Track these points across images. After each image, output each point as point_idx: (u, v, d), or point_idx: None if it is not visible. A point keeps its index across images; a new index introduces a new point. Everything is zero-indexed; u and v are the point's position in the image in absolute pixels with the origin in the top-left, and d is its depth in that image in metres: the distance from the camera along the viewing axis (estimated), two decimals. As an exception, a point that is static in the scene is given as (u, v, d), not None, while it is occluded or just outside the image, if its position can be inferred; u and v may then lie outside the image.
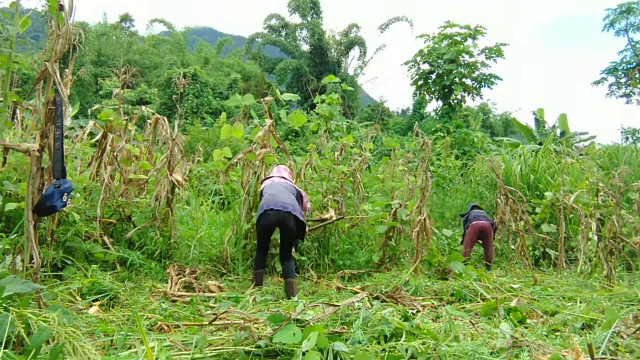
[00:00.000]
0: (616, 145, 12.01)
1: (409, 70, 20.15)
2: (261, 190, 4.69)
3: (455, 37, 18.80)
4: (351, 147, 7.21)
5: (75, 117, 17.23)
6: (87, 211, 4.37)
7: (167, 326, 2.55)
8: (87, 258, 3.96)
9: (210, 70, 29.68)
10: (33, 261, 2.41)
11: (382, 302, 3.32)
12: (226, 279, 4.61)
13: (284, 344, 1.96)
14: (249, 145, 5.32)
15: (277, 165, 5.20)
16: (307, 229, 4.55)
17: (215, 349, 2.06)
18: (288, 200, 4.31)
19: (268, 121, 5.05)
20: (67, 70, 2.75)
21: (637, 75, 21.76)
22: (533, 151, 11.23)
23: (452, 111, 18.73)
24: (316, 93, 24.57)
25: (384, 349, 2.07)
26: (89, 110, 5.62)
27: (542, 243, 7.17)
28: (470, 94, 19.08)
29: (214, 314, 2.85)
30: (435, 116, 20.71)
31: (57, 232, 3.79)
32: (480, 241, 7.32)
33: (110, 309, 3.02)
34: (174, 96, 22.57)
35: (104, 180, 4.53)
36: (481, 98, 19.41)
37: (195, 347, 2.07)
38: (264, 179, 4.92)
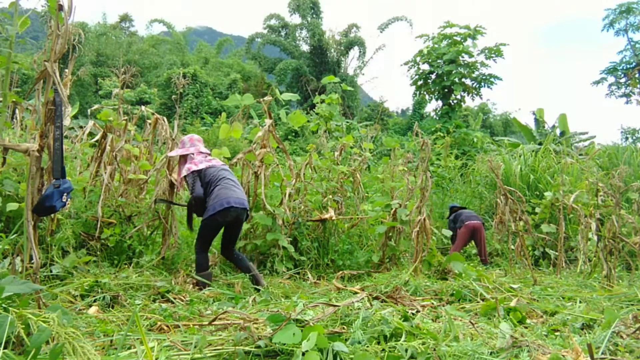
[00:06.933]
0: (616, 145, 12.01)
1: (408, 70, 20.19)
2: (198, 171, 4.18)
3: (454, 37, 18.82)
4: (351, 147, 7.22)
5: (75, 117, 17.23)
6: (85, 212, 4.37)
7: (167, 326, 2.55)
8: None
9: (209, 71, 29.68)
10: (32, 261, 2.40)
11: (381, 302, 3.32)
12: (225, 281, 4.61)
13: (284, 344, 1.96)
14: (249, 145, 5.32)
15: (191, 136, 4.53)
16: None
17: (215, 349, 2.06)
18: (243, 194, 4.20)
19: (268, 121, 5.05)
20: (66, 70, 2.74)
21: (636, 75, 21.78)
22: (533, 151, 11.24)
23: (452, 111, 18.75)
24: (316, 93, 24.58)
25: (383, 349, 2.07)
26: (89, 110, 5.62)
27: (542, 243, 7.17)
28: (470, 94, 19.11)
29: (213, 314, 2.85)
30: (435, 116, 20.74)
31: (56, 237, 3.80)
32: (472, 241, 7.38)
33: (110, 309, 3.02)
34: (173, 96, 22.59)
35: (103, 180, 4.53)
36: (481, 98, 19.46)
37: (195, 347, 2.07)
38: (182, 151, 4.33)
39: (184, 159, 4.33)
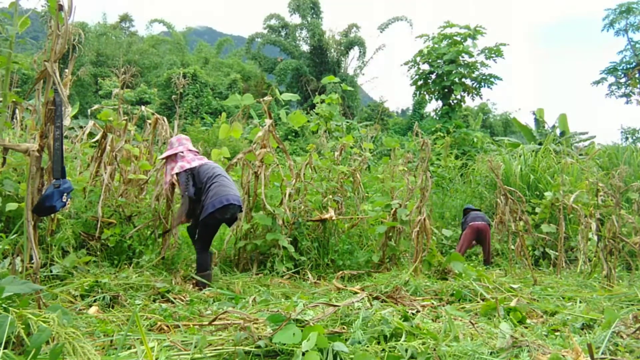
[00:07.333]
0: (616, 145, 12.01)
1: (408, 70, 20.17)
2: (192, 169, 4.17)
3: (455, 37, 18.81)
4: (351, 147, 7.22)
5: (75, 117, 17.23)
6: (85, 212, 4.37)
7: (167, 326, 2.55)
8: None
9: (209, 71, 29.68)
10: (32, 261, 2.40)
11: (382, 302, 3.32)
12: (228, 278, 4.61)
13: (284, 344, 1.96)
14: (249, 145, 5.31)
15: (178, 136, 4.50)
16: None
17: (215, 349, 2.06)
18: (237, 191, 4.27)
19: (268, 121, 5.05)
20: (66, 70, 2.74)
21: (636, 75, 21.78)
22: (533, 151, 11.24)
23: (452, 111, 18.74)
24: (316, 93, 24.57)
25: (383, 349, 2.07)
26: (89, 111, 5.62)
27: (542, 243, 7.17)
28: (470, 94, 19.09)
29: (213, 314, 2.85)
30: (435, 116, 20.73)
31: (56, 237, 3.79)
32: (477, 242, 7.38)
33: (110, 309, 3.02)
34: (173, 96, 22.58)
35: (103, 180, 4.53)
36: (481, 98, 19.44)
37: (195, 347, 2.07)
38: (172, 151, 4.28)
39: (172, 159, 4.31)
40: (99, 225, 4.28)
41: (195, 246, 4.20)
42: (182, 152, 4.27)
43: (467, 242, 7.15)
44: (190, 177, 4.17)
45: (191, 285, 3.93)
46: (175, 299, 3.43)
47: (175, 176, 4.28)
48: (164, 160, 4.49)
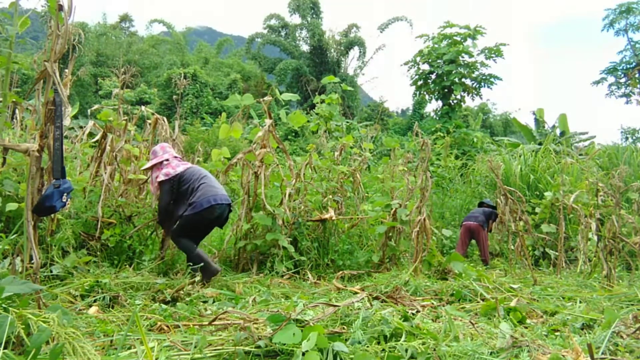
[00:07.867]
0: (616, 145, 12.02)
1: (408, 70, 20.15)
2: (177, 176, 4.21)
3: (454, 37, 18.79)
4: (351, 147, 7.22)
5: (75, 117, 17.23)
6: (85, 212, 4.37)
7: (167, 326, 2.55)
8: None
9: (210, 71, 29.69)
10: (32, 261, 2.40)
11: (382, 302, 3.32)
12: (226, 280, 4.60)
13: (284, 344, 1.96)
14: (249, 145, 5.31)
15: (161, 144, 4.53)
16: None
17: (215, 349, 2.06)
18: (224, 191, 4.32)
19: (268, 121, 5.05)
20: (66, 70, 2.74)
21: (636, 75, 21.78)
22: (533, 151, 11.25)
23: (452, 111, 18.72)
24: (316, 93, 24.54)
25: (383, 349, 2.07)
26: (89, 111, 5.63)
27: (542, 243, 7.17)
28: (470, 94, 19.08)
29: (213, 314, 2.85)
30: (435, 116, 20.72)
31: (56, 237, 3.79)
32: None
33: (110, 309, 3.02)
34: (173, 96, 22.58)
35: (103, 180, 4.53)
36: (481, 98, 19.42)
37: (195, 347, 2.07)
38: (157, 159, 4.30)
39: (157, 167, 4.33)
40: (99, 225, 4.28)
41: (173, 239, 4.20)
42: (167, 159, 4.31)
43: (461, 241, 7.12)
44: (176, 184, 4.21)
45: (192, 284, 3.92)
46: (170, 294, 3.41)
47: (160, 184, 4.28)
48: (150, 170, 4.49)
